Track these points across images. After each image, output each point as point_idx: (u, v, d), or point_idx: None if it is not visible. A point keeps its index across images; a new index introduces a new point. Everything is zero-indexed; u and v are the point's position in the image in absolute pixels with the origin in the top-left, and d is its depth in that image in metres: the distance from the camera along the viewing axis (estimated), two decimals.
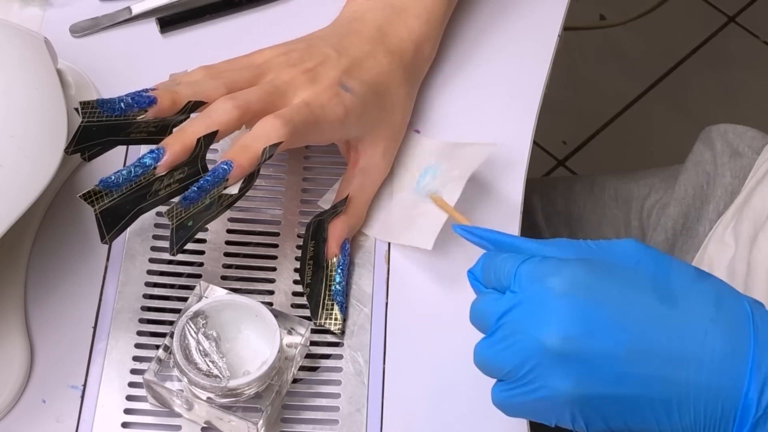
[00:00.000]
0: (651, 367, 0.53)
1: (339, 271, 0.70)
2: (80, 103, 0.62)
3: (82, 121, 0.62)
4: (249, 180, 0.64)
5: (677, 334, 0.53)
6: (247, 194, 0.65)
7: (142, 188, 0.62)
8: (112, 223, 0.62)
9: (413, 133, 0.77)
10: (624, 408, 0.54)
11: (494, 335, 0.56)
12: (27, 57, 0.67)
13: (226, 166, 0.63)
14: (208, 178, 0.62)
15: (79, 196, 0.60)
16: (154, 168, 0.62)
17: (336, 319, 0.68)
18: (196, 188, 0.62)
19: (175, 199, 0.63)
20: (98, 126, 0.63)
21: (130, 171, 0.62)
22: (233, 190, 0.64)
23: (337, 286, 0.69)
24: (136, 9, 0.81)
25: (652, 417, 0.54)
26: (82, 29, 0.80)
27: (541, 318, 0.54)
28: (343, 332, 0.68)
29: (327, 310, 0.69)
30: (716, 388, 0.53)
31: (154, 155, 0.62)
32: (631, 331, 0.53)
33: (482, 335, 0.58)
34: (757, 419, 0.52)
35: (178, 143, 0.63)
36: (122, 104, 0.63)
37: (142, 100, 0.64)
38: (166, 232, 0.70)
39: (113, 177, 0.61)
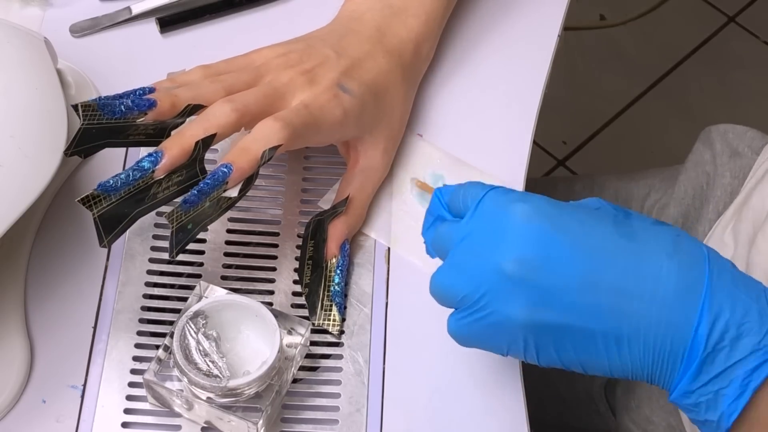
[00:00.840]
0: (604, 298, 0.53)
1: (338, 271, 0.70)
2: (81, 105, 0.62)
3: (82, 124, 0.62)
4: (248, 182, 0.64)
5: (633, 267, 0.54)
6: (247, 194, 0.65)
7: (141, 192, 0.62)
8: (111, 227, 0.62)
9: (416, 137, 0.77)
10: (575, 339, 0.54)
11: (452, 260, 0.57)
12: (27, 57, 0.67)
13: (225, 169, 0.63)
14: (208, 181, 0.62)
15: (78, 201, 0.60)
16: (153, 171, 0.62)
17: (334, 319, 0.68)
18: (196, 191, 0.62)
19: (178, 200, 0.63)
20: (98, 128, 0.63)
21: (129, 175, 0.62)
22: (233, 192, 0.64)
23: (336, 287, 0.69)
24: (136, 9, 0.81)
25: (603, 350, 0.54)
26: (82, 29, 0.80)
27: (498, 241, 0.55)
28: (341, 333, 0.68)
29: (325, 310, 0.69)
30: (666, 323, 0.53)
31: (153, 159, 0.62)
32: (588, 260, 0.54)
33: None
34: (705, 356, 0.53)
35: (176, 147, 0.63)
36: (122, 107, 0.63)
37: (143, 103, 0.64)
38: (166, 233, 0.70)
39: (111, 181, 0.61)
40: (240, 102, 0.65)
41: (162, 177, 0.63)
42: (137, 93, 0.64)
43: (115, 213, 0.62)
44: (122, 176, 0.61)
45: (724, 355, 0.52)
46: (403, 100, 0.75)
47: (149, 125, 0.65)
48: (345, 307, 0.69)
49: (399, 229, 0.73)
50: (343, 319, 0.69)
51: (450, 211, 0.60)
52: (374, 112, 0.72)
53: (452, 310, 0.58)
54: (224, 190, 0.63)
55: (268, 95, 0.67)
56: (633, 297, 0.53)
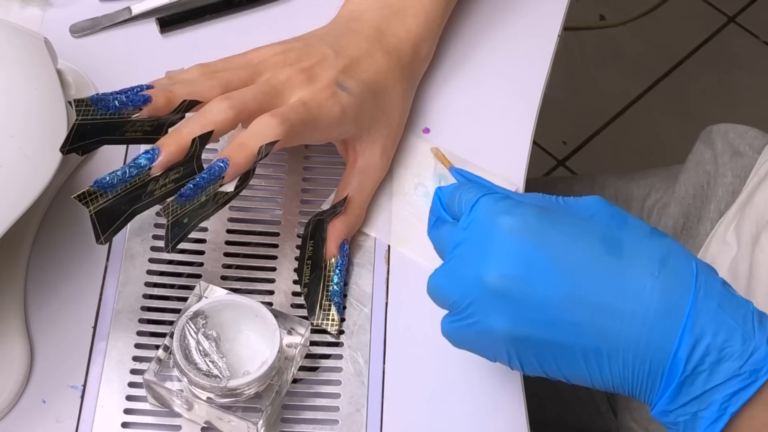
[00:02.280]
0: (584, 315, 0.53)
1: (337, 271, 0.70)
2: (74, 100, 0.61)
3: (76, 120, 0.62)
4: (245, 178, 0.64)
5: (615, 285, 0.53)
6: (246, 194, 0.65)
7: (138, 188, 0.62)
8: (108, 224, 0.62)
9: (416, 135, 0.77)
10: (557, 353, 0.55)
11: (446, 265, 0.58)
12: (27, 57, 0.67)
13: (222, 164, 0.63)
14: (204, 175, 0.62)
15: (74, 197, 0.60)
16: (149, 168, 0.62)
17: (333, 319, 0.68)
18: (192, 185, 0.62)
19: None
20: (92, 124, 0.63)
21: (125, 172, 0.61)
22: (229, 187, 0.64)
23: (335, 287, 0.69)
24: (136, 9, 0.81)
25: (584, 365, 0.54)
26: (82, 29, 0.80)
27: (484, 253, 0.55)
28: (340, 333, 0.68)
29: (324, 310, 0.69)
30: (646, 344, 0.53)
31: (150, 156, 0.62)
32: (570, 277, 0.54)
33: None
34: (684, 379, 0.53)
35: (173, 143, 0.63)
36: (116, 102, 0.63)
37: (137, 98, 0.64)
38: None
39: (108, 178, 0.61)
40: (237, 99, 0.65)
41: (159, 174, 0.63)
42: (134, 90, 0.64)
43: (111, 210, 0.62)
44: (119, 173, 0.61)
45: (703, 378, 0.52)
46: (401, 100, 0.75)
47: (146, 122, 0.65)
48: (344, 307, 0.69)
49: (403, 229, 0.73)
50: (342, 319, 0.69)
51: (448, 213, 0.60)
52: (372, 111, 0.72)
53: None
54: (220, 185, 0.63)
55: (266, 93, 0.67)
56: (614, 315, 0.53)
